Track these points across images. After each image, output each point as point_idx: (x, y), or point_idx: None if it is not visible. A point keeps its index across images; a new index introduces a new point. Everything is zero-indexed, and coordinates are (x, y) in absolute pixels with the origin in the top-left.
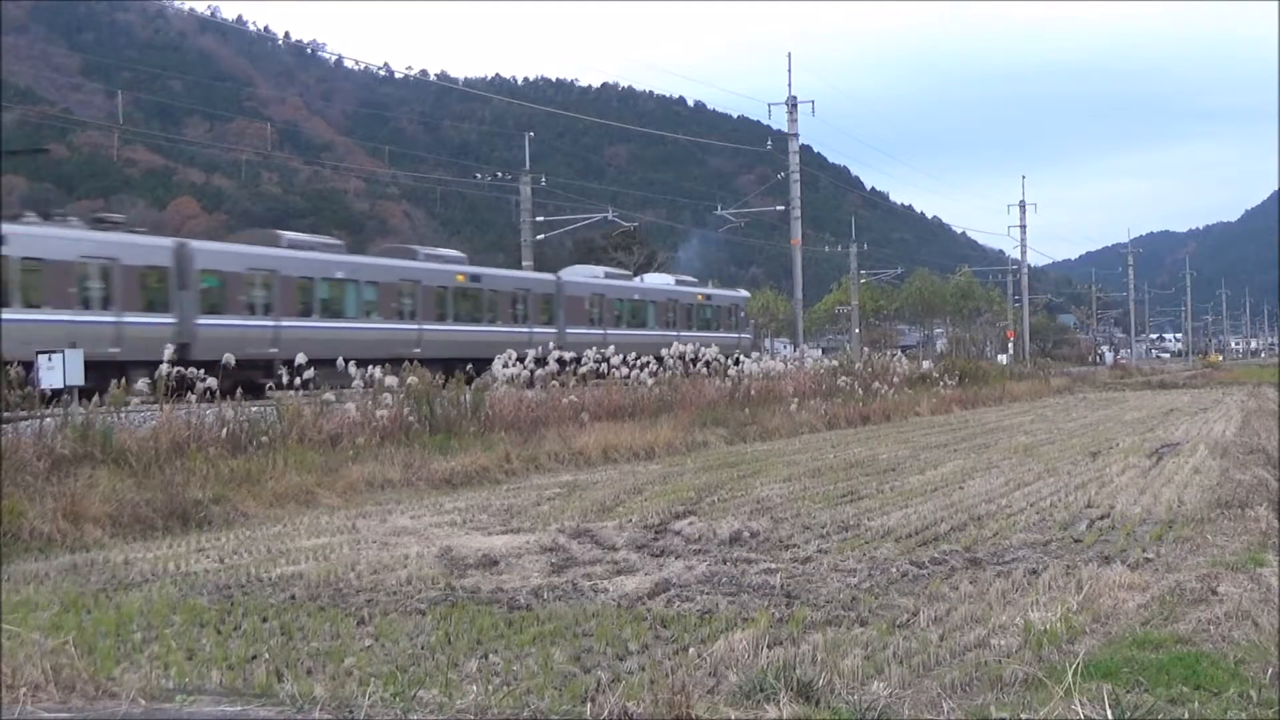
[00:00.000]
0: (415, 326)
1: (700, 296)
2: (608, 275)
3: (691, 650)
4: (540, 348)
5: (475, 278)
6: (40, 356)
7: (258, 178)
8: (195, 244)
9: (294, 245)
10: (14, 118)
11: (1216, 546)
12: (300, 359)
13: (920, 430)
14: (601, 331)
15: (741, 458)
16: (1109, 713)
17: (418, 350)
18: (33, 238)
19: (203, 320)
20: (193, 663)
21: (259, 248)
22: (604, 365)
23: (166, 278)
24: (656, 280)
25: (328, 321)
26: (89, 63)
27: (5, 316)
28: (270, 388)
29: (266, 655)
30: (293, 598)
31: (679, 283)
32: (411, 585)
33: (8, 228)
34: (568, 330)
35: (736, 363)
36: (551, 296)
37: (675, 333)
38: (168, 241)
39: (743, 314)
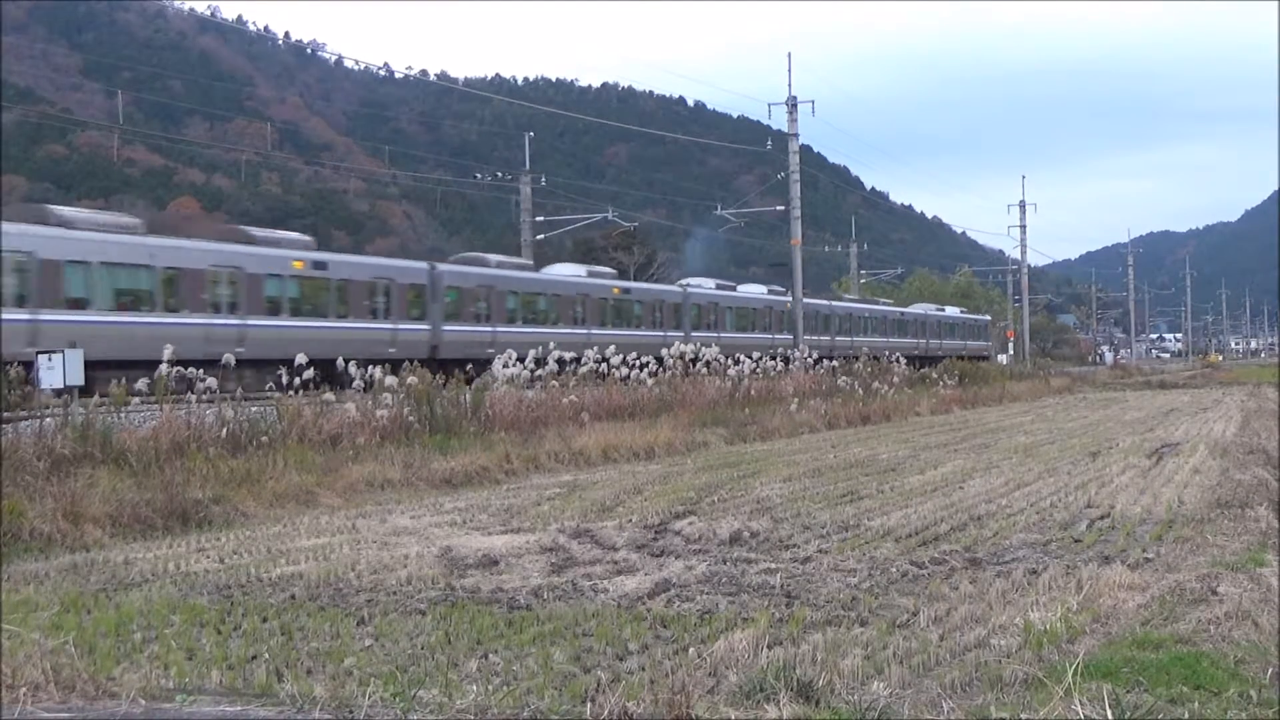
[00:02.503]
0: (236, 322)
1: (616, 290)
2: (499, 265)
3: (691, 650)
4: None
5: (320, 264)
6: (40, 356)
7: (258, 178)
8: None
9: (64, 223)
10: (14, 118)
11: (1216, 546)
12: (301, 359)
13: (920, 430)
14: (490, 330)
15: (741, 458)
16: (1109, 713)
17: (241, 350)
18: None
19: None
20: (193, 663)
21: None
22: (603, 365)
23: None
24: (562, 270)
25: (116, 316)
26: (89, 63)
27: None
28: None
29: (266, 655)
30: (293, 598)
31: (590, 274)
32: (411, 585)
33: None
34: (445, 328)
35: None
36: (423, 288)
37: (586, 330)
38: None
39: (986, 327)
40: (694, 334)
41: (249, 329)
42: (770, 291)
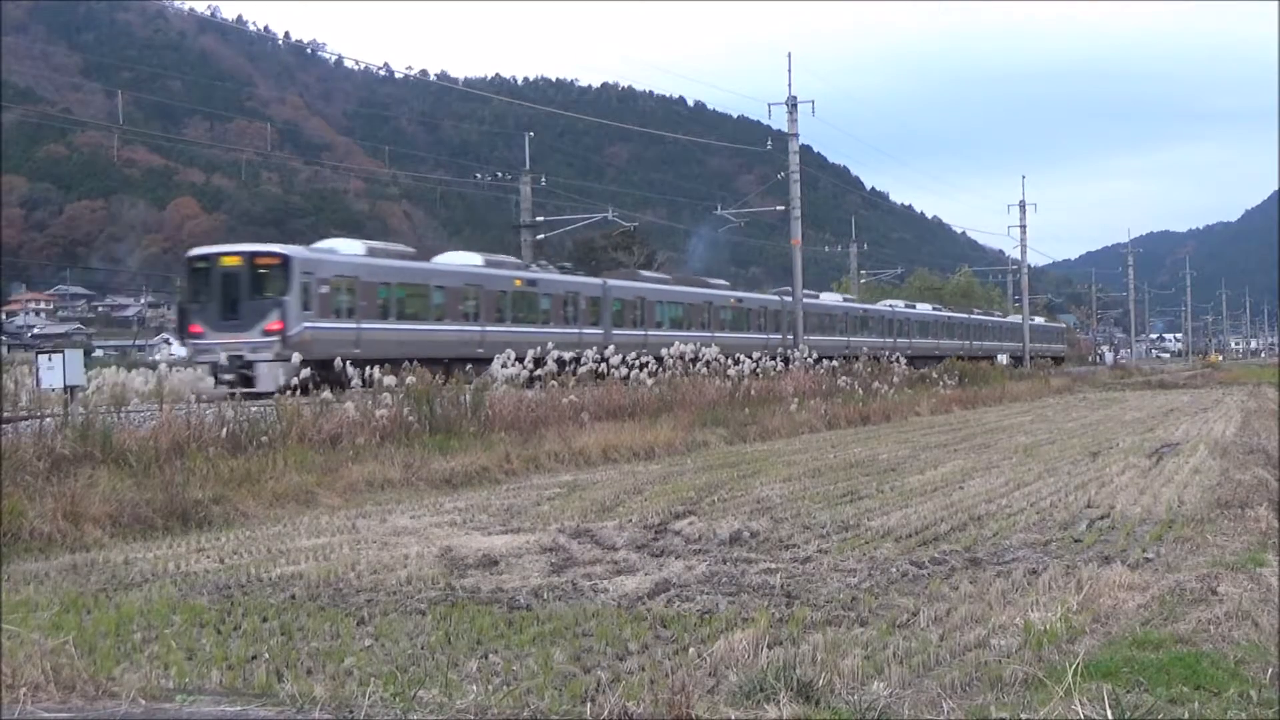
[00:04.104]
0: (704, 335)
1: (862, 311)
2: (823, 298)
3: (691, 650)
4: None
5: (741, 299)
6: (40, 357)
7: (258, 178)
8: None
9: (715, 287)
10: (14, 118)
11: (1216, 546)
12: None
13: (920, 430)
14: (842, 339)
15: (741, 458)
16: (1109, 713)
17: (712, 349)
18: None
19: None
20: (193, 663)
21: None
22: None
23: None
24: (834, 297)
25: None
26: (89, 63)
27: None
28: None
29: (266, 655)
30: (293, 598)
31: (845, 300)
32: (411, 585)
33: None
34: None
35: (1059, 361)
36: (779, 312)
37: (847, 338)
38: None
39: (1063, 333)
40: (899, 340)
41: (715, 338)
42: (934, 308)
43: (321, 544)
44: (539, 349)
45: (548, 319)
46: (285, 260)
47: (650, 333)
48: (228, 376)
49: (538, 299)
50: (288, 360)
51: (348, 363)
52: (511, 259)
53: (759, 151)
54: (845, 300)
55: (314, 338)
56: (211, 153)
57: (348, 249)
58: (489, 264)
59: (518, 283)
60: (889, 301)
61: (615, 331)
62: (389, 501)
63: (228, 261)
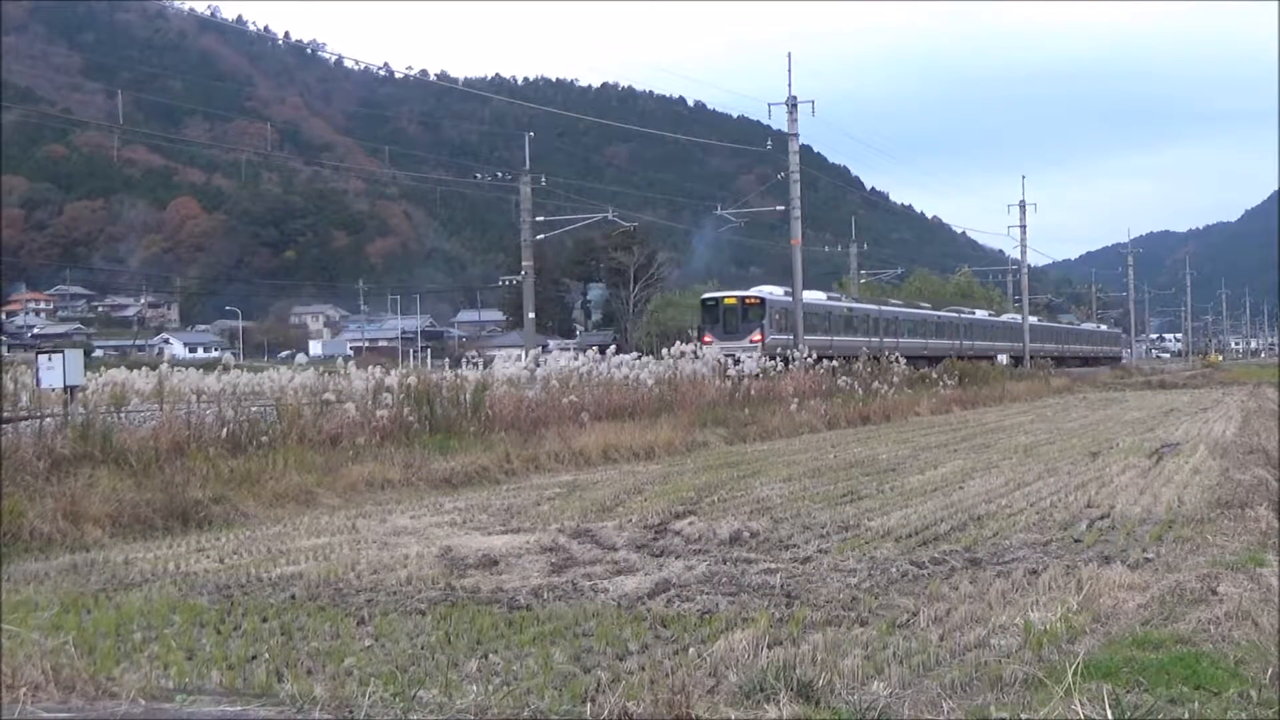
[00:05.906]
0: (925, 342)
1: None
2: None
3: (691, 650)
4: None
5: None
6: (40, 357)
7: (258, 178)
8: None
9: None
10: (14, 118)
11: (1216, 546)
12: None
13: (920, 430)
14: (993, 343)
15: (741, 458)
16: (1109, 713)
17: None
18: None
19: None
20: (193, 663)
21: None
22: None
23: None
24: (984, 313)
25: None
26: (89, 63)
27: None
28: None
29: (266, 655)
30: (293, 598)
31: (993, 314)
32: (411, 585)
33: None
34: (966, 342)
35: (1115, 360)
36: (953, 325)
37: (1014, 343)
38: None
39: (1118, 337)
40: (1032, 344)
41: (928, 343)
42: (1070, 322)
43: (321, 544)
44: (861, 350)
45: (858, 331)
46: (762, 300)
47: (901, 340)
48: (729, 366)
49: (854, 318)
50: (763, 356)
51: (784, 359)
52: (838, 293)
53: (759, 151)
54: (986, 314)
55: (774, 344)
56: (211, 153)
57: (775, 293)
58: (829, 298)
59: (846, 310)
60: (1013, 316)
61: (886, 339)
62: (389, 501)
63: (728, 301)
